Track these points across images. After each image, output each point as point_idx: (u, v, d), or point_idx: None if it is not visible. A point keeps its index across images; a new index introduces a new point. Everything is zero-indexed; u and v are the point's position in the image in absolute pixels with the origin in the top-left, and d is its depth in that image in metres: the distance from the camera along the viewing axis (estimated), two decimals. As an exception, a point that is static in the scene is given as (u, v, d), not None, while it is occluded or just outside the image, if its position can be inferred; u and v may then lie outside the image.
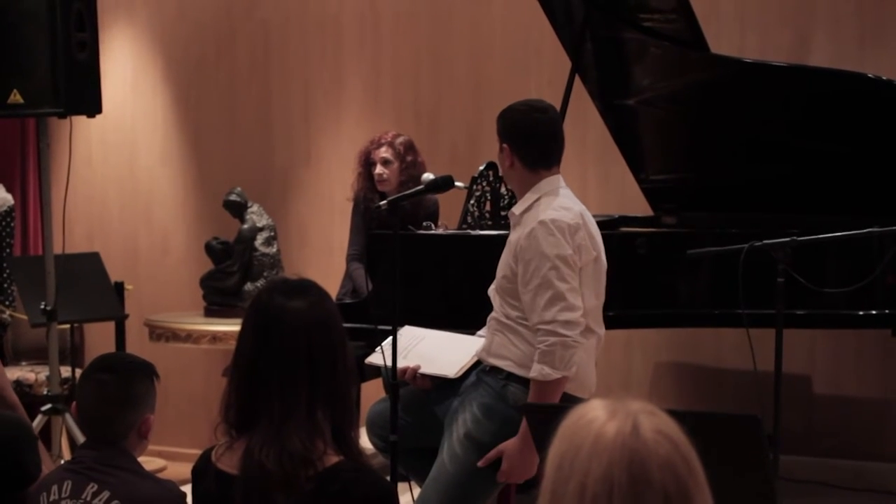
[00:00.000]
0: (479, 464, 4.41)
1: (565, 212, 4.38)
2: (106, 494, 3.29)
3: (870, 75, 5.96)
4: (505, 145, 4.56)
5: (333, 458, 2.70)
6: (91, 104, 6.22)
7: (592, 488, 1.69)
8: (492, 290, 4.63)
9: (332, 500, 2.65)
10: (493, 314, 4.60)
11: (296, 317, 2.73)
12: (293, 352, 2.71)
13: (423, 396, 4.68)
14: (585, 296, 4.39)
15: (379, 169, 6.58)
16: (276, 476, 2.65)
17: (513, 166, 4.56)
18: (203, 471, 2.84)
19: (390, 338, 4.43)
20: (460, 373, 4.59)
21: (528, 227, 4.39)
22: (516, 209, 4.54)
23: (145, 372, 3.56)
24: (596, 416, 1.75)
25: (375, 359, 4.67)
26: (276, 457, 2.65)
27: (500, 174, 5.81)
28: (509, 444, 4.37)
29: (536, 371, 4.29)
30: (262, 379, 2.72)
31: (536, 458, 4.11)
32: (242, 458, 2.70)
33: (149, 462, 6.45)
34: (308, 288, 2.80)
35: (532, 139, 4.52)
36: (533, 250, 4.34)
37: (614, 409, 1.75)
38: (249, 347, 2.77)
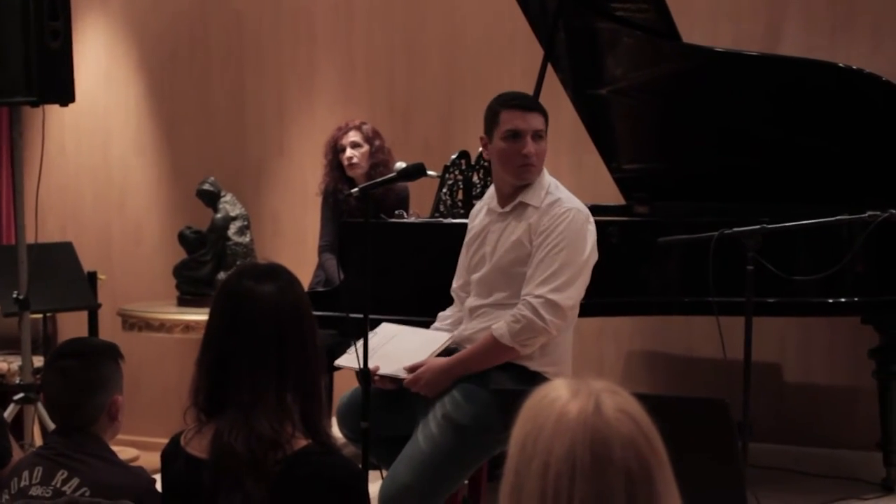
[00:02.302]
0: (406, 383, 4.51)
1: (580, 203, 4.56)
2: (75, 481, 3.29)
3: (840, 65, 5.99)
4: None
5: (302, 442, 2.71)
6: (64, 93, 6.19)
7: (555, 467, 1.70)
8: (479, 277, 4.64)
9: (302, 483, 2.66)
10: (475, 302, 4.63)
11: (265, 301, 2.74)
12: (262, 336, 2.72)
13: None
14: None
15: (349, 152, 6.60)
16: (245, 460, 2.65)
17: None
18: (172, 455, 2.85)
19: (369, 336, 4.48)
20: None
21: (556, 209, 4.48)
22: (530, 199, 4.55)
23: (109, 354, 3.56)
24: (559, 395, 1.76)
25: (345, 361, 4.68)
26: (245, 440, 2.66)
27: (474, 164, 5.84)
28: (437, 361, 4.49)
29: (497, 328, 4.40)
30: (231, 363, 2.73)
31: (446, 386, 4.43)
32: (212, 442, 2.71)
33: (122, 452, 6.44)
34: (277, 272, 2.81)
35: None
36: (561, 231, 4.40)
37: (577, 389, 1.76)
38: (218, 332, 2.78)
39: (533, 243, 4.46)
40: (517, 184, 4.60)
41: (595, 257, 4.52)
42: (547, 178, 4.61)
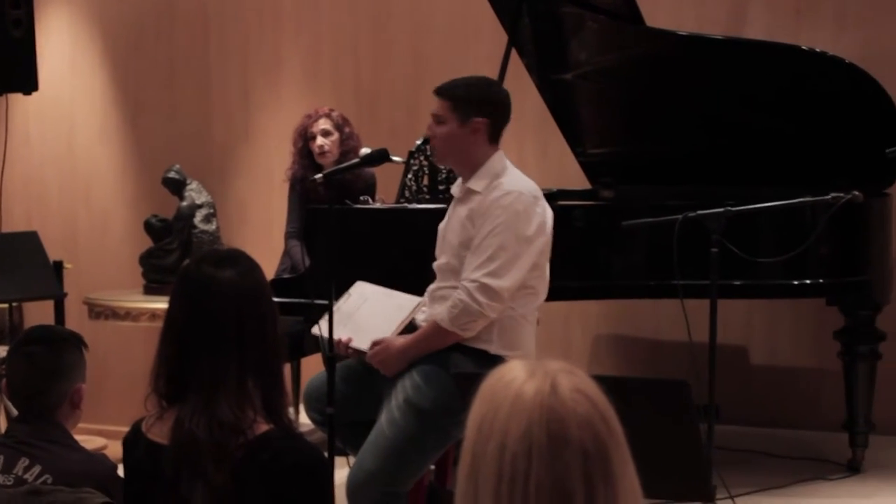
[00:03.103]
0: (367, 357, 4.54)
1: (528, 184, 4.52)
2: (37, 469, 3.28)
3: (804, 47, 6.01)
4: (483, 119, 4.62)
5: (264, 427, 2.70)
6: (26, 81, 6.17)
7: (512, 448, 1.70)
8: (440, 264, 4.65)
9: (263, 468, 2.65)
10: (437, 286, 4.63)
11: (225, 286, 2.72)
12: (222, 321, 2.70)
13: (361, 369, 4.69)
14: (543, 261, 4.49)
15: (320, 140, 6.58)
16: (206, 445, 2.64)
17: (476, 138, 4.61)
18: (133, 441, 2.84)
19: (343, 299, 4.49)
20: None
21: (496, 193, 4.45)
22: (475, 184, 4.55)
23: (73, 342, 3.56)
24: (515, 376, 1.76)
25: (322, 328, 4.68)
26: (206, 426, 2.65)
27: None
28: (394, 342, 4.52)
29: (438, 312, 4.43)
30: (191, 349, 2.71)
31: (401, 367, 4.47)
32: (172, 428, 2.70)
33: (88, 441, 6.44)
34: (237, 258, 2.80)
35: (506, 116, 4.71)
36: (498, 215, 4.39)
37: (533, 370, 1.76)
38: (178, 317, 2.76)
39: (479, 224, 4.48)
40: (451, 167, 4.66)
41: (544, 237, 4.48)
42: (496, 165, 4.55)
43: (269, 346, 2.75)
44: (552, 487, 1.68)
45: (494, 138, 4.60)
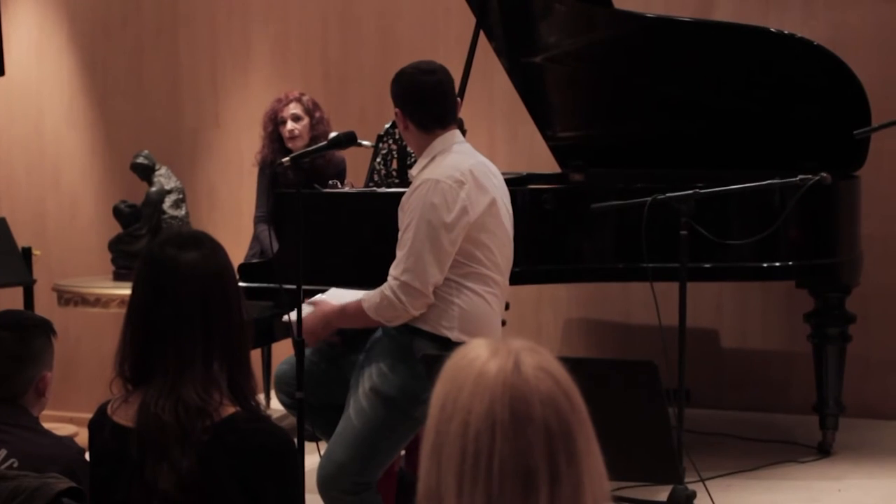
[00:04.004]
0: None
1: (452, 170, 4.40)
2: (3, 453, 3.26)
3: (772, 29, 6.01)
4: (398, 109, 4.57)
5: (230, 409, 2.68)
6: (-8, 66, 6.14)
7: (475, 425, 1.69)
8: None
9: (229, 450, 2.64)
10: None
11: (189, 268, 2.71)
12: (187, 303, 2.69)
13: (329, 352, 4.69)
14: (492, 240, 4.43)
15: (290, 125, 6.56)
16: (171, 428, 2.63)
17: (408, 129, 4.58)
18: (99, 424, 2.82)
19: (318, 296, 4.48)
20: None
21: (414, 184, 4.45)
22: (414, 170, 4.56)
23: (42, 329, 3.54)
24: (478, 354, 1.75)
25: (292, 317, 4.67)
26: (172, 408, 2.64)
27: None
28: (329, 304, 4.59)
29: (367, 299, 4.45)
30: (156, 331, 2.70)
31: (325, 335, 4.59)
32: (138, 411, 2.68)
33: (59, 428, 6.41)
34: (201, 240, 2.78)
35: (422, 102, 4.53)
36: (414, 208, 4.38)
37: (496, 348, 1.75)
38: (142, 300, 2.75)
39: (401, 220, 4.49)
40: None
41: (466, 218, 4.37)
42: (435, 147, 4.49)
43: (235, 327, 2.74)
44: (515, 465, 1.67)
45: (423, 125, 4.52)
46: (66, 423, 7.63)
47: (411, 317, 4.42)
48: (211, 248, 2.77)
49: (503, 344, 1.77)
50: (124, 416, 2.75)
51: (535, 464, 1.68)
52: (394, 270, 4.40)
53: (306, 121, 6.60)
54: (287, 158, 4.61)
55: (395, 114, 4.57)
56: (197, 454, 2.63)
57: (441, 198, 4.34)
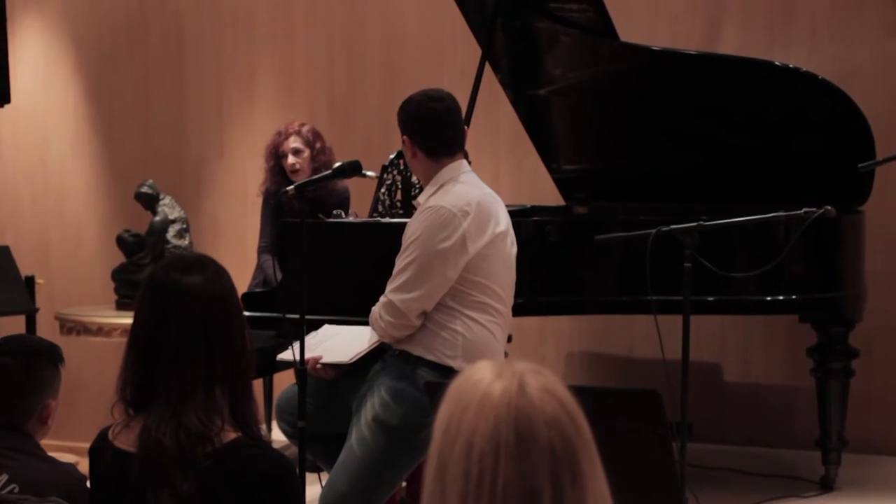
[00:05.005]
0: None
1: (459, 199, 4.40)
2: (4, 478, 3.25)
3: (777, 63, 6.02)
4: (405, 137, 4.56)
5: (231, 435, 2.67)
6: (-1, 94, 6.14)
7: (479, 446, 1.69)
8: None
9: (230, 476, 2.63)
10: None
11: (192, 292, 2.70)
12: (189, 328, 2.68)
13: (331, 382, 4.67)
14: (495, 270, 4.43)
15: (291, 159, 6.54)
16: (173, 453, 2.61)
17: (415, 156, 4.58)
18: (100, 449, 2.81)
19: (310, 335, 4.49)
20: (355, 359, 4.59)
21: (418, 210, 4.48)
22: (421, 198, 4.56)
23: (49, 356, 3.53)
24: (482, 376, 1.75)
25: (287, 355, 4.65)
26: (174, 434, 2.62)
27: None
28: None
29: (372, 311, 4.51)
30: (158, 356, 2.69)
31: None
32: (139, 436, 2.67)
33: (60, 458, 6.36)
34: (205, 264, 2.77)
35: (430, 129, 4.53)
36: (414, 231, 4.39)
37: (501, 370, 1.75)
38: (145, 324, 2.74)
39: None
40: None
41: (465, 251, 4.38)
42: (444, 176, 4.51)
43: (237, 352, 2.73)
44: (520, 486, 1.67)
45: (432, 152, 4.54)
46: (66, 452, 7.59)
47: (392, 339, 4.44)
48: (214, 272, 2.76)
49: (507, 366, 1.76)
50: (126, 441, 2.73)
51: (539, 485, 1.67)
52: (386, 291, 4.44)
53: (307, 153, 6.57)
54: (292, 187, 4.61)
55: (403, 141, 4.57)
56: (198, 479, 2.62)
57: (441, 225, 4.34)
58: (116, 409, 2.78)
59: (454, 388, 1.77)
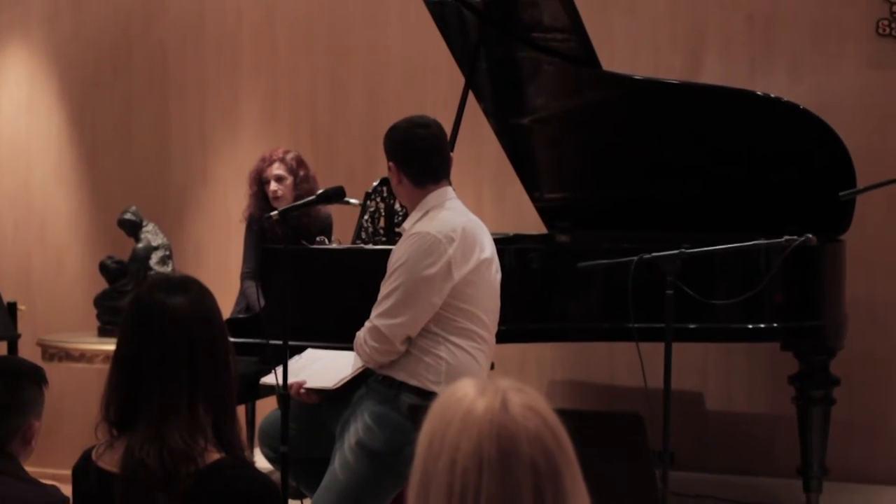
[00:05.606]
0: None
1: (444, 226, 4.42)
2: (-14, 498, 3.26)
3: (759, 93, 6.05)
4: (391, 163, 4.59)
5: (215, 455, 2.68)
6: (-18, 119, 6.16)
7: (462, 463, 1.70)
8: None
9: (214, 496, 2.63)
10: None
11: (176, 313, 2.71)
12: (173, 348, 2.69)
13: (314, 407, 4.68)
14: (479, 296, 4.45)
15: (273, 186, 6.55)
16: (156, 473, 2.62)
17: (401, 183, 4.60)
18: (83, 470, 2.81)
19: (294, 359, 4.50)
20: (339, 384, 4.60)
21: (403, 237, 4.49)
22: (406, 224, 4.58)
23: (32, 377, 3.53)
24: (465, 393, 1.76)
25: (270, 379, 4.66)
26: (157, 454, 2.63)
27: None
28: None
29: (357, 336, 4.55)
30: (142, 376, 2.70)
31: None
32: (123, 456, 2.68)
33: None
34: (189, 284, 2.78)
35: (416, 156, 4.56)
36: (399, 257, 4.41)
37: (484, 387, 1.77)
38: (129, 344, 2.75)
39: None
40: None
41: (450, 277, 4.42)
42: (429, 202, 4.55)
43: (221, 373, 2.74)
44: (503, 502, 1.68)
45: (417, 179, 4.57)
46: (47, 479, 7.51)
47: (377, 364, 4.45)
48: (199, 293, 2.77)
49: (491, 383, 1.78)
50: (109, 462, 2.74)
51: (521, 502, 1.68)
52: (370, 316, 4.46)
53: (290, 180, 6.58)
54: (275, 212, 4.63)
55: (389, 168, 4.59)
56: (181, 500, 2.62)
57: (427, 251, 4.36)
58: (100, 429, 2.78)
59: (438, 405, 1.79)
